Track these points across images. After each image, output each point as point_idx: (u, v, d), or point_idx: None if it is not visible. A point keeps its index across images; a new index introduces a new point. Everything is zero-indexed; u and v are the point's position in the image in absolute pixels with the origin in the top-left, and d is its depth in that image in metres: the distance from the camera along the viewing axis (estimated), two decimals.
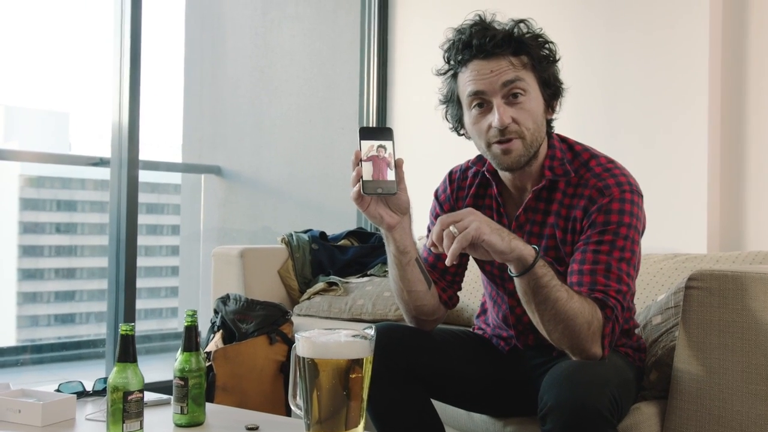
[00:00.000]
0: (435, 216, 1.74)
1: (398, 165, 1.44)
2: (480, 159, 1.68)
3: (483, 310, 1.84)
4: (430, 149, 3.32)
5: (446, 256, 1.34)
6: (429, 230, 1.70)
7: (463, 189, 1.71)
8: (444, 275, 1.70)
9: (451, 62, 1.56)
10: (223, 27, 4.52)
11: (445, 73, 1.59)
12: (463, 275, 1.75)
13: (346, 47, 3.80)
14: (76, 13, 4.27)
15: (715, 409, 1.47)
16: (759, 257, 2.01)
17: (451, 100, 1.60)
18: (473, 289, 2.52)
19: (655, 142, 2.61)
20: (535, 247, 1.39)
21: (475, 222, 1.33)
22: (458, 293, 1.74)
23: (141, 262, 4.72)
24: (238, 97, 4.43)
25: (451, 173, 1.76)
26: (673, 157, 2.56)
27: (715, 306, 1.48)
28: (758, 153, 2.49)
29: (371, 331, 1.32)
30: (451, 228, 1.33)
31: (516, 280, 1.40)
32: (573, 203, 1.54)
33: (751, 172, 2.50)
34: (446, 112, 1.64)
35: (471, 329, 1.87)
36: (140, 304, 4.61)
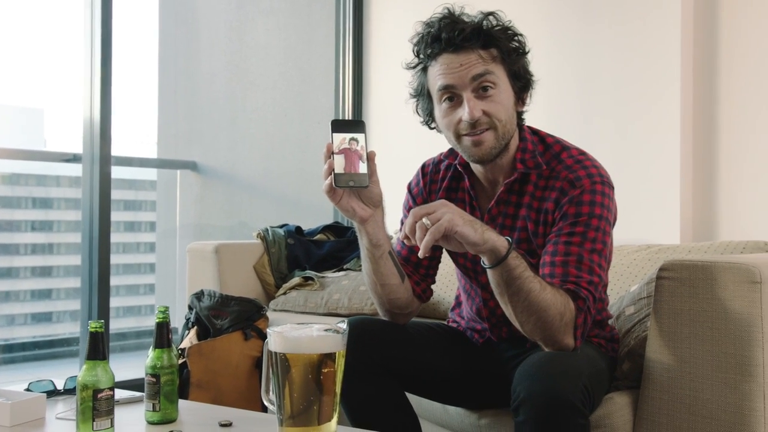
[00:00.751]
0: (408, 209, 1.74)
1: (370, 158, 1.44)
2: (452, 152, 1.67)
3: (457, 303, 1.84)
4: (405, 143, 3.32)
5: (419, 249, 1.33)
6: (402, 223, 1.68)
7: (436, 182, 1.70)
8: (417, 268, 1.70)
9: (421, 56, 1.56)
10: (198, 22, 4.48)
11: (414, 67, 1.59)
12: (437, 268, 1.75)
13: (321, 41, 3.78)
14: (48, 8, 4.21)
15: (686, 398, 1.47)
16: (730, 247, 2.03)
17: (422, 94, 1.59)
18: (449, 282, 2.52)
19: (628, 134, 2.62)
20: (508, 239, 1.39)
21: (447, 213, 1.33)
22: (432, 287, 1.74)
23: (118, 259, 4.67)
24: (213, 92, 4.40)
25: (423, 166, 1.75)
26: (646, 149, 2.58)
27: (686, 296, 1.48)
28: (729, 144, 2.51)
29: (344, 326, 1.31)
30: (424, 220, 1.33)
31: (489, 272, 1.40)
32: (545, 195, 1.54)
33: (722, 164, 2.52)
34: (417, 105, 1.63)
35: (445, 322, 1.87)
36: (118, 302, 4.57)
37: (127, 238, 4.81)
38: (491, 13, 1.53)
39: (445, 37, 1.49)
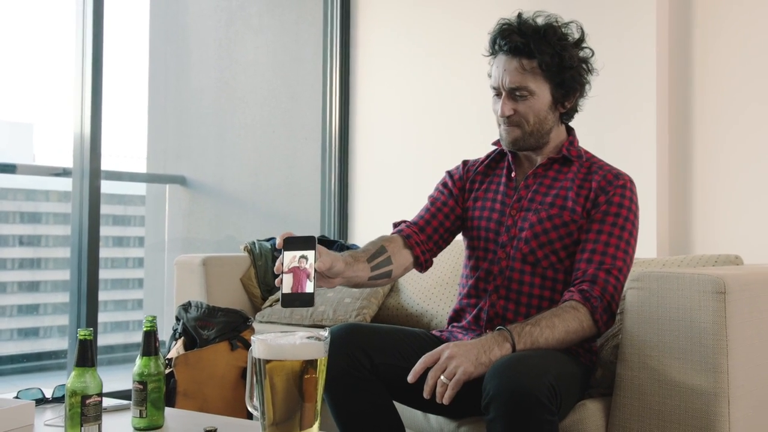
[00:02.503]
0: (443, 185, 1.92)
1: (319, 274, 1.53)
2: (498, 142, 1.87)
3: (456, 315, 1.90)
4: (392, 157, 3.38)
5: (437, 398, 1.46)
6: (432, 198, 1.90)
7: (475, 165, 1.92)
8: (429, 240, 1.86)
9: (489, 49, 1.79)
10: (187, 39, 4.53)
11: (488, 56, 1.81)
12: (443, 248, 1.90)
13: (309, 59, 3.84)
14: (39, 23, 4.26)
15: (655, 405, 1.53)
16: (703, 260, 2.09)
17: (490, 76, 1.80)
18: (432, 295, 2.57)
19: (605, 150, 2.66)
20: (507, 333, 1.53)
21: (459, 367, 1.46)
22: (433, 260, 1.90)
23: (107, 274, 4.68)
24: (203, 108, 4.44)
25: (464, 161, 1.96)
26: (623, 165, 2.63)
27: (654, 306, 1.54)
28: (704, 161, 2.58)
29: (325, 333, 1.36)
30: (442, 379, 1.46)
31: None
32: (587, 178, 1.76)
33: (697, 179, 2.59)
34: None
35: (429, 331, 1.92)
36: (106, 317, 4.57)
37: (116, 253, 4.82)
38: (552, 25, 1.72)
39: (499, 42, 1.74)
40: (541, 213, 1.73)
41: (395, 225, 1.89)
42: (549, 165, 1.80)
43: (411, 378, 1.50)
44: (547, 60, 1.69)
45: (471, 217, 1.86)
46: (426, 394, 1.49)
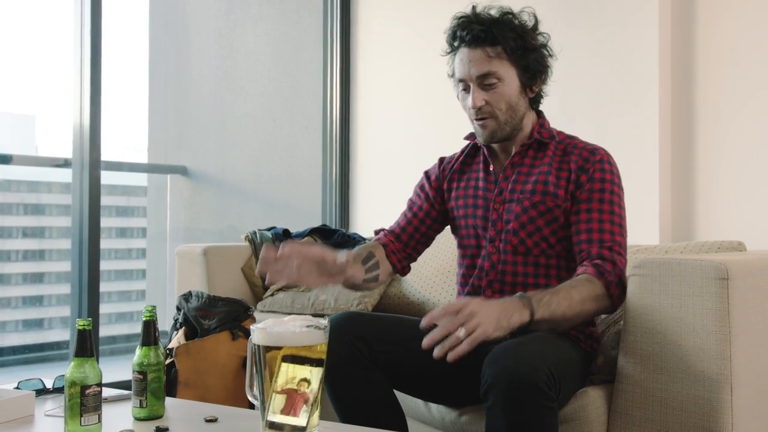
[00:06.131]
0: (420, 187, 1.93)
1: (288, 255, 1.53)
2: (472, 134, 1.85)
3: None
4: (393, 146, 3.37)
5: (440, 351, 1.38)
6: (410, 201, 1.93)
7: (450, 163, 1.91)
8: (405, 247, 1.89)
9: (448, 47, 1.78)
10: (187, 28, 4.51)
11: (447, 54, 1.80)
12: (422, 252, 1.93)
13: (309, 47, 3.82)
14: (38, 15, 4.24)
15: (657, 392, 1.52)
16: (705, 247, 2.08)
17: (453, 75, 1.79)
18: (433, 283, 2.56)
19: (608, 137, 2.67)
20: (526, 301, 1.49)
21: (480, 326, 1.40)
22: (411, 264, 1.93)
23: (110, 265, 4.68)
24: (203, 97, 4.43)
25: (441, 159, 1.94)
26: (626, 152, 2.62)
27: (656, 292, 1.53)
28: (707, 147, 2.57)
29: (325, 321, 1.36)
30: (461, 333, 1.38)
31: None
32: (564, 159, 1.74)
33: (700, 166, 2.57)
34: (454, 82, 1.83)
35: None
36: (110, 308, 4.58)
37: (119, 244, 4.83)
38: (508, 13, 1.72)
39: (459, 34, 1.72)
40: (525, 202, 1.72)
41: (376, 233, 1.93)
42: (524, 152, 1.78)
43: (424, 323, 1.43)
44: (511, 44, 1.68)
45: (456, 216, 1.86)
46: (434, 336, 1.40)
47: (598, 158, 1.70)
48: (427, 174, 1.94)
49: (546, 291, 1.55)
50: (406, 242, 1.89)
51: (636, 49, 2.63)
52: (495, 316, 1.43)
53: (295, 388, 1.32)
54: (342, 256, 1.62)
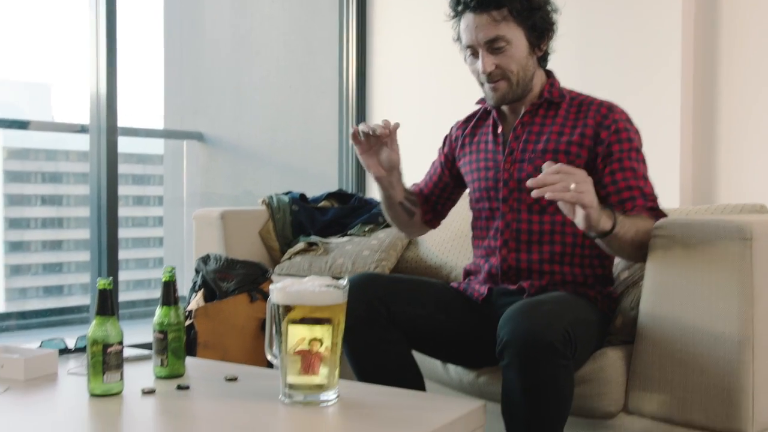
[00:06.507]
0: (440, 149, 1.98)
1: (393, 130, 1.68)
2: (483, 99, 1.86)
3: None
4: (410, 109, 3.34)
5: (536, 190, 1.42)
6: (433, 163, 2.00)
7: (462, 128, 1.93)
8: (431, 205, 1.97)
9: (452, 12, 1.76)
10: None
11: (452, 19, 1.78)
12: (449, 209, 2.01)
13: (325, 11, 3.79)
14: None
15: (677, 353, 1.51)
16: (728, 210, 2.05)
17: (459, 40, 1.78)
18: (452, 247, 2.55)
19: (629, 101, 2.62)
20: (611, 212, 1.50)
21: (591, 194, 1.44)
22: (441, 220, 2.01)
23: (128, 233, 4.72)
24: (219, 63, 4.41)
25: (455, 124, 1.97)
26: (647, 114, 2.58)
27: (678, 253, 1.52)
28: (729, 110, 2.53)
29: (344, 281, 1.36)
30: (573, 186, 1.41)
31: (598, 240, 1.56)
32: (579, 116, 1.73)
33: (722, 129, 2.54)
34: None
35: (448, 283, 1.92)
36: (128, 276, 4.62)
37: (136, 212, 4.86)
38: None
39: (463, 0, 1.70)
40: (537, 161, 1.70)
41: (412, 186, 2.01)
42: (534, 111, 1.77)
43: (531, 184, 1.43)
44: (516, 6, 1.67)
45: (468, 180, 1.87)
46: (544, 179, 1.42)
47: (618, 115, 1.70)
48: (446, 137, 1.97)
49: (619, 213, 1.56)
50: (431, 200, 1.96)
51: (658, 10, 2.58)
52: (597, 203, 1.47)
53: (314, 348, 1.32)
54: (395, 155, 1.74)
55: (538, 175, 1.68)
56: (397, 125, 1.69)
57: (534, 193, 1.42)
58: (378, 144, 1.72)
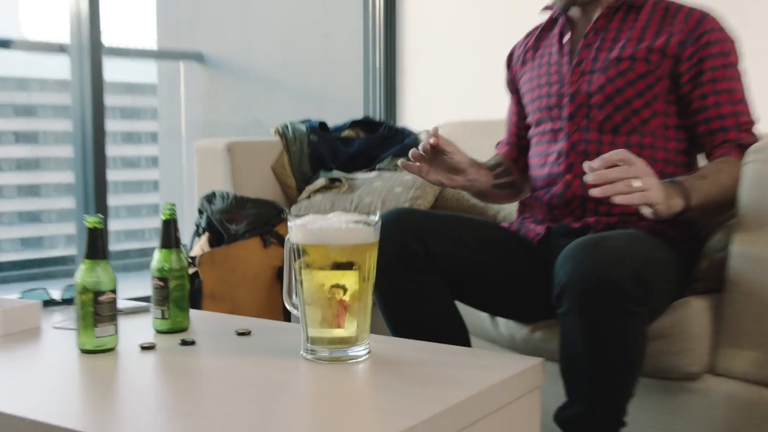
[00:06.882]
0: (506, 85, 2.01)
1: (435, 134, 1.66)
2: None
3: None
4: (446, 23, 3.30)
5: (595, 188, 1.39)
6: (508, 110, 2.02)
7: (523, 45, 1.95)
8: (521, 152, 1.97)
9: None
10: None
11: None
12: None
13: None
14: None
15: None
16: None
17: None
18: None
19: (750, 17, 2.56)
20: (679, 186, 1.48)
21: (656, 191, 1.40)
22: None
23: (119, 176, 4.75)
24: None
25: (513, 47, 2.00)
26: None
27: None
28: None
29: (375, 217, 1.34)
30: (635, 183, 1.39)
31: None
32: (666, 21, 1.70)
33: None
34: None
35: (497, 223, 1.91)
36: (119, 225, 4.67)
37: (127, 150, 4.87)
38: None
39: None
40: (610, 71, 1.70)
41: (496, 147, 2.06)
42: (611, 15, 1.76)
43: (588, 168, 1.41)
44: None
45: (528, 100, 1.87)
46: (605, 175, 1.39)
47: (710, 26, 1.67)
48: (506, 62, 2.00)
49: (692, 175, 1.56)
50: (524, 146, 1.95)
51: None
52: (664, 192, 1.43)
53: (341, 295, 1.32)
54: (462, 156, 1.74)
55: (608, 88, 1.65)
56: (436, 129, 1.67)
57: (595, 192, 1.38)
58: (435, 158, 1.71)
